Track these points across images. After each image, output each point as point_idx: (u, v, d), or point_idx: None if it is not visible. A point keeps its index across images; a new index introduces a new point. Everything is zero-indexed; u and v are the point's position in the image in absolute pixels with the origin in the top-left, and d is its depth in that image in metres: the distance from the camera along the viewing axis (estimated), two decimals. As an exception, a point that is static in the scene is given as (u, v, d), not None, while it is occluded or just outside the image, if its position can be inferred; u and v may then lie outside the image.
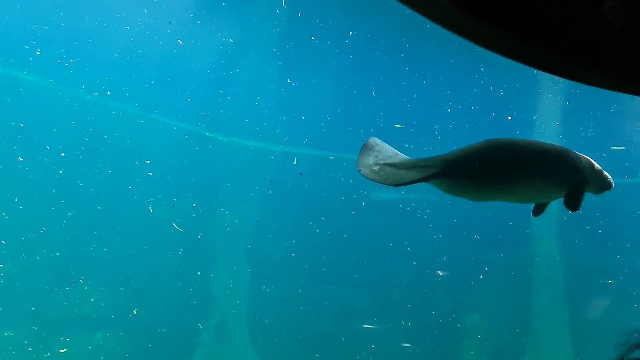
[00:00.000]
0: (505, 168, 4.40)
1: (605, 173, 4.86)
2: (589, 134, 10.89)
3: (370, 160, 4.31)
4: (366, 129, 9.64)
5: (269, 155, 10.57)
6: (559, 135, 10.91)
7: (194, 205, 10.02)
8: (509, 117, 10.92)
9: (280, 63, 10.05)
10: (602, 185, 4.85)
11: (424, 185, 4.47)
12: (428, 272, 10.95)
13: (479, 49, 1.56)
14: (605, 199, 6.25)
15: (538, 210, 4.99)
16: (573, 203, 4.53)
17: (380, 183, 4.21)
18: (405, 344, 10.62)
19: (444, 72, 10.39)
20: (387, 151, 4.46)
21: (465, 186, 4.38)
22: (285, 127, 10.54)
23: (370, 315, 10.70)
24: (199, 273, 10.06)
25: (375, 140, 4.54)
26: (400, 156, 4.45)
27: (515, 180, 4.42)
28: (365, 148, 4.43)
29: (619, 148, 10.20)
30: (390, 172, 4.20)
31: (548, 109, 10.80)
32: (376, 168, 4.23)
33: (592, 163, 4.79)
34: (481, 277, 11.15)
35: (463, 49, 9.48)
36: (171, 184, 9.93)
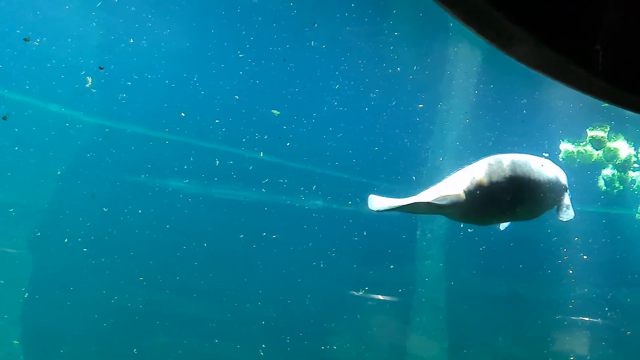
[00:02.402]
0: (515, 193, 4.49)
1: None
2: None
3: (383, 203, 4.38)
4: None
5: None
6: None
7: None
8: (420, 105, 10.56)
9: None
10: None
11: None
12: (299, 280, 10.02)
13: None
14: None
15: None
16: (569, 211, 4.84)
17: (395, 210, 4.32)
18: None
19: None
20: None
21: (475, 214, 4.51)
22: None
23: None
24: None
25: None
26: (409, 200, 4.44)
27: (522, 203, 4.56)
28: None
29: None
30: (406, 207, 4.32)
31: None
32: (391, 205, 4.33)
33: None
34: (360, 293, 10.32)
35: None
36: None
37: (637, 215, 11.94)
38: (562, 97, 10.76)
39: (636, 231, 11.96)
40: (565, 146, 11.80)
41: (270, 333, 9.69)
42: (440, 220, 10.74)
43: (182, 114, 9.31)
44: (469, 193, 4.34)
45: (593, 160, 11.81)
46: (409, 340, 10.62)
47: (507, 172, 4.44)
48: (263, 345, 9.57)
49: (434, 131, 11.09)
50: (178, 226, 9.63)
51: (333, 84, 9.83)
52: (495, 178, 4.40)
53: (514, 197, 4.46)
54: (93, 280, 9.11)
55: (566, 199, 4.99)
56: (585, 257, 10.94)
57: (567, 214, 4.85)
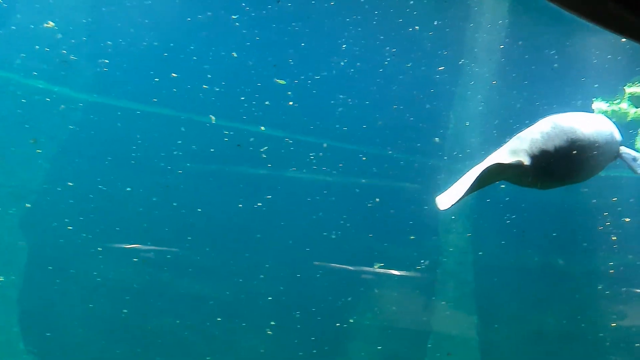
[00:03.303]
0: (578, 155, 4.39)
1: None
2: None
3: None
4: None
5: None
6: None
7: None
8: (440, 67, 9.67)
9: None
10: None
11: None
12: (314, 262, 9.29)
13: None
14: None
15: None
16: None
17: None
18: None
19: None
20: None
21: (540, 179, 4.36)
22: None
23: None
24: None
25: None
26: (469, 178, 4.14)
27: (585, 164, 4.48)
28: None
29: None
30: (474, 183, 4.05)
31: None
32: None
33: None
34: (376, 269, 9.57)
35: None
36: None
37: None
38: (598, 48, 9.89)
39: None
40: (599, 105, 10.93)
41: (279, 309, 9.14)
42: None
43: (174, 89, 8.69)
44: (533, 158, 4.21)
45: (629, 119, 10.95)
46: (434, 315, 10.07)
47: (569, 135, 4.33)
48: (272, 323, 9.06)
49: (456, 92, 10.33)
50: (175, 201, 9.11)
51: (340, 45, 9.11)
52: (557, 142, 4.27)
53: (578, 159, 4.37)
54: (89, 261, 8.72)
55: (629, 151, 4.93)
56: (627, 219, 10.16)
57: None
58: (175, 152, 8.97)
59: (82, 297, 8.70)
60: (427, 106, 10.12)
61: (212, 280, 9.25)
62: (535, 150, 4.22)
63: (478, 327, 10.13)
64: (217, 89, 8.88)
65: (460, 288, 10.08)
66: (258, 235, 9.20)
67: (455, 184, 4.16)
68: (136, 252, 8.87)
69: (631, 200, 10.32)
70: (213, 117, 8.79)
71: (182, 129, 8.98)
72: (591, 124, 4.55)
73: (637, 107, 10.92)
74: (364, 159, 9.83)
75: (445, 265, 10.09)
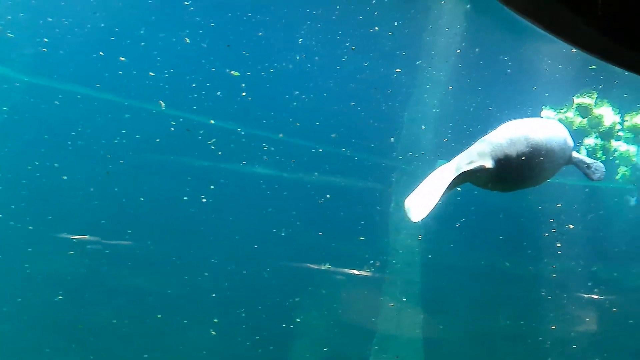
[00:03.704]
0: (538, 158, 4.53)
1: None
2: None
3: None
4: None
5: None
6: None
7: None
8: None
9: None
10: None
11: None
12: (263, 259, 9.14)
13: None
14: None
15: None
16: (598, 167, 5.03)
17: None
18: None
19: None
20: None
21: (501, 182, 4.49)
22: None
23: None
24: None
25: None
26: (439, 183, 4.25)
27: (543, 168, 4.59)
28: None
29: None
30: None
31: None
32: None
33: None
34: (325, 267, 9.47)
35: None
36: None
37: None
38: (550, 58, 10.12)
39: (617, 204, 11.59)
40: (547, 113, 11.21)
41: (224, 307, 8.85)
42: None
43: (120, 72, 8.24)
44: (497, 162, 4.36)
45: (575, 128, 11.28)
46: (381, 316, 10.04)
47: (530, 140, 4.48)
48: (215, 320, 8.76)
49: (412, 94, 10.32)
50: (116, 191, 8.66)
51: (297, 38, 8.90)
52: (519, 147, 4.42)
53: (537, 164, 4.51)
54: (19, 252, 8.18)
55: (582, 157, 5.03)
56: (571, 226, 10.45)
57: (598, 170, 4.97)
58: (117, 140, 8.53)
59: (10, 291, 8.16)
60: (383, 106, 10.06)
61: (153, 275, 8.85)
62: (500, 155, 4.37)
63: (424, 328, 10.17)
64: (166, 76, 8.48)
65: (408, 289, 10.10)
66: (204, 230, 8.86)
67: (420, 191, 4.23)
68: (72, 243, 8.40)
69: (574, 206, 10.63)
70: (162, 103, 8.40)
71: (127, 115, 8.55)
72: (549, 129, 4.70)
73: (583, 117, 11.26)
74: (320, 150, 9.67)
75: (394, 265, 10.08)
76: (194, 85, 8.67)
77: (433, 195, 4.10)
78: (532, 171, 4.54)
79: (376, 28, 9.35)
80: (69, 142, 8.43)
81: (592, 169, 5.08)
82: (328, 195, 9.31)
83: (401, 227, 10.17)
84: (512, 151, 4.38)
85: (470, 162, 4.29)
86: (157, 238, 8.86)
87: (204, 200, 8.83)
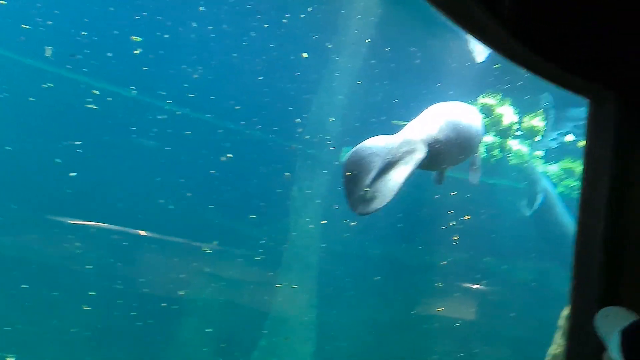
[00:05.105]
0: (463, 141, 5.07)
1: None
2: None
3: (356, 189, 4.50)
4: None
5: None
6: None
7: None
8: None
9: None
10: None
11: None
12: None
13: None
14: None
15: (440, 178, 5.56)
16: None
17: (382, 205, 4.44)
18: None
19: None
20: (366, 166, 4.53)
21: (431, 162, 4.85)
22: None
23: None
24: None
25: (353, 163, 4.56)
26: (375, 161, 4.50)
27: (466, 149, 5.16)
28: (347, 181, 4.51)
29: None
30: (382, 187, 4.44)
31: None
32: (368, 194, 4.49)
33: None
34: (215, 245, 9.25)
35: None
36: None
37: None
38: (459, 55, 10.37)
39: (510, 203, 12.08)
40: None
41: (100, 279, 8.44)
42: (321, 178, 10.11)
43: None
44: (428, 144, 4.73)
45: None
46: (275, 297, 9.95)
47: (456, 124, 4.94)
48: (91, 293, 8.27)
49: (320, 79, 10.28)
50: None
51: (200, 5, 8.62)
52: (447, 131, 4.87)
53: (460, 147, 4.98)
54: None
55: (478, 160, 5.59)
56: (468, 217, 10.80)
57: (475, 177, 5.49)
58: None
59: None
60: (289, 86, 9.97)
61: (22, 242, 8.29)
62: (429, 139, 4.77)
63: (317, 312, 10.19)
64: (48, 26, 7.90)
65: (303, 272, 10.08)
66: (84, 197, 8.37)
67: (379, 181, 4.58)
68: None
69: (468, 195, 10.99)
70: (49, 49, 7.83)
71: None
72: (473, 114, 5.28)
73: (486, 117, 11.66)
74: (220, 131, 9.44)
75: (291, 249, 10.02)
76: (86, 50, 8.14)
77: (390, 190, 4.46)
78: (454, 154, 5.00)
79: (287, 16, 9.25)
80: None
81: (477, 174, 5.60)
82: (214, 171, 9.07)
83: (301, 211, 10.13)
84: (441, 135, 4.82)
85: (412, 151, 4.62)
86: (29, 203, 8.29)
87: (84, 163, 8.32)
